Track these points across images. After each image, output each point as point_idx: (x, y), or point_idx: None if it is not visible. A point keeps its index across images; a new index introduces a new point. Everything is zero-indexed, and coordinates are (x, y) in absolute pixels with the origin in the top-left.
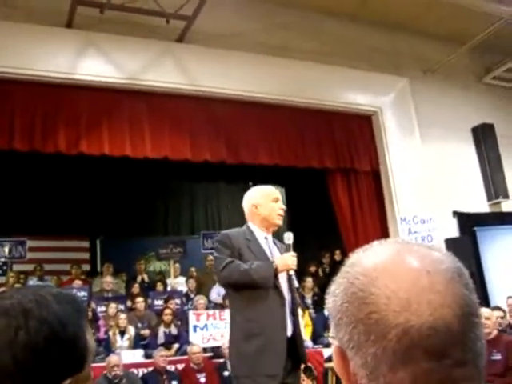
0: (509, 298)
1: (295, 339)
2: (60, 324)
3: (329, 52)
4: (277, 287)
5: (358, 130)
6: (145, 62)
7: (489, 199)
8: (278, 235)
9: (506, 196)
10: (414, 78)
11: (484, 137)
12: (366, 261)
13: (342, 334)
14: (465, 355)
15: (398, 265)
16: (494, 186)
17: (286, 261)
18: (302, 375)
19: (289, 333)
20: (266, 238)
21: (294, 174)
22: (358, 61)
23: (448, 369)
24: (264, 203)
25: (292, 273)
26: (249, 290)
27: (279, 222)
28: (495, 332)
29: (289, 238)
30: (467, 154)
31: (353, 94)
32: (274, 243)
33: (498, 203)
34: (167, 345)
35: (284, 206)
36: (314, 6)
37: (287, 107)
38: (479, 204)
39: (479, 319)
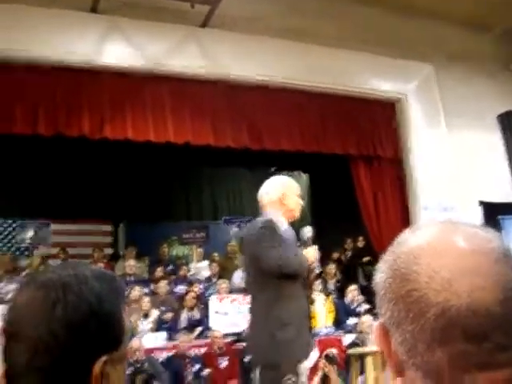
0: None
1: None
2: (98, 301)
3: (353, 37)
4: (303, 279)
5: (382, 117)
6: (168, 47)
7: None
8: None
9: None
10: (438, 65)
11: (510, 124)
12: (412, 239)
13: (384, 310)
14: (508, 339)
15: (442, 244)
16: None
17: (314, 254)
18: (324, 361)
19: None
20: (286, 229)
21: (318, 160)
22: (382, 47)
23: (490, 352)
24: (292, 195)
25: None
26: (291, 280)
27: (298, 216)
28: None
29: (308, 231)
30: (493, 142)
31: (376, 81)
32: None
33: None
34: (190, 328)
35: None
36: None
37: (311, 93)
38: (505, 193)
39: None
